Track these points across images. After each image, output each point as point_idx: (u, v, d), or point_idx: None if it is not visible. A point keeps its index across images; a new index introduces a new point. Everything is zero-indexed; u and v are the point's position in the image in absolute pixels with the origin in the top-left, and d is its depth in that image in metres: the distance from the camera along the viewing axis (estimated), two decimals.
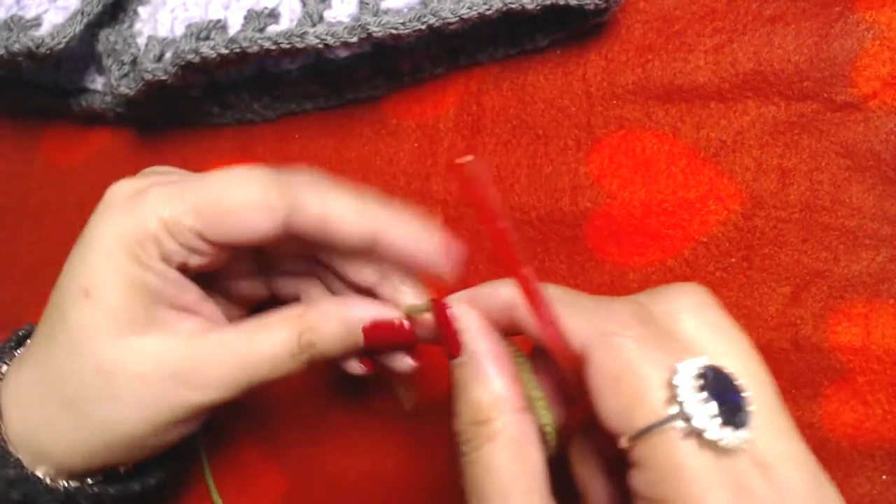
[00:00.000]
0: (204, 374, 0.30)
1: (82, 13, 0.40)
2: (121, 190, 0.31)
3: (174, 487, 0.43)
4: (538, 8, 0.36)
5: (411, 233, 0.30)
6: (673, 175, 0.38)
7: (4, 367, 0.33)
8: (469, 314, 0.27)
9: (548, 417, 0.27)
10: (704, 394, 0.22)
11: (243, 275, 0.35)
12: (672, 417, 0.22)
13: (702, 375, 0.22)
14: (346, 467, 0.41)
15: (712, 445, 0.21)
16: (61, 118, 0.49)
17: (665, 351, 0.23)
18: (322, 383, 0.42)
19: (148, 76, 0.40)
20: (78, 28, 0.40)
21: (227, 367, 0.30)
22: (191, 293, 0.32)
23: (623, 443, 0.23)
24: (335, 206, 0.29)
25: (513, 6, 0.36)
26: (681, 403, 0.21)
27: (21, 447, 0.31)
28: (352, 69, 0.42)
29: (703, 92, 0.38)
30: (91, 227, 0.31)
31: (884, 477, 0.35)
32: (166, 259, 0.30)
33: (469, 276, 0.40)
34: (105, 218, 0.30)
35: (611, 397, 0.23)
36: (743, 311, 0.37)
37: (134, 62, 0.42)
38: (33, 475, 0.31)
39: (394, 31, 0.37)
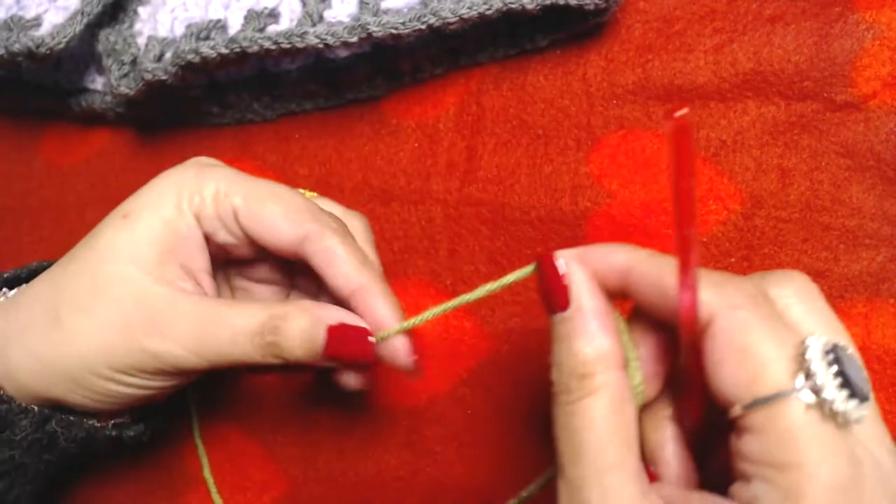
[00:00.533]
0: (168, 324, 0.31)
1: (82, 13, 0.40)
2: (203, 159, 0.35)
3: (174, 486, 0.43)
4: (538, 8, 0.36)
5: (381, 303, 0.32)
6: None
7: None
8: (579, 270, 0.28)
9: (639, 378, 0.28)
10: (835, 367, 0.23)
11: (266, 279, 0.37)
12: (800, 388, 0.23)
13: (831, 351, 0.24)
14: (345, 467, 0.41)
15: (834, 417, 0.23)
16: (61, 118, 0.49)
17: (785, 329, 0.25)
18: (321, 383, 0.42)
19: (148, 76, 0.40)
20: (78, 28, 0.40)
21: (191, 325, 0.31)
22: (202, 261, 0.34)
23: (737, 410, 0.24)
24: (341, 251, 0.32)
25: (513, 6, 0.36)
26: (813, 376, 0.23)
27: None
28: (352, 69, 0.42)
29: (703, 92, 0.38)
30: (161, 174, 0.34)
31: None
32: (200, 222, 0.33)
33: (470, 275, 0.40)
34: (177, 170, 0.34)
35: (733, 367, 0.24)
36: None
37: (134, 62, 0.42)
38: (6, 394, 0.32)
39: (394, 31, 0.37)
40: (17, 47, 0.39)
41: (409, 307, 0.41)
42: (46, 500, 0.38)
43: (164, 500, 0.43)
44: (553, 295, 0.27)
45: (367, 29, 0.37)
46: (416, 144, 0.42)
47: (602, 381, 0.26)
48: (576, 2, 0.36)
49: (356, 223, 0.36)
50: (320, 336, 0.31)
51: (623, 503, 0.25)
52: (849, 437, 0.23)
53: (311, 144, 0.44)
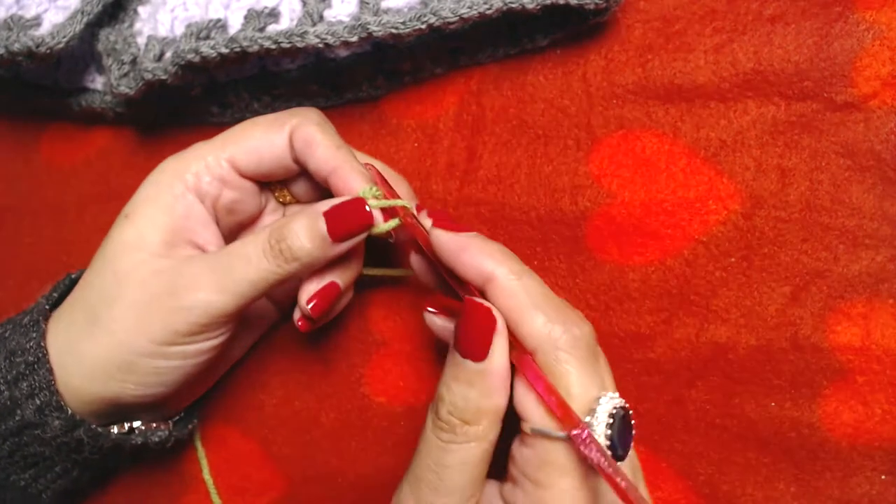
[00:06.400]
0: (189, 278, 0.33)
1: (82, 12, 0.40)
2: (175, 152, 0.37)
3: (174, 487, 0.43)
4: (538, 7, 0.36)
5: (355, 178, 0.35)
6: (673, 175, 0.38)
7: (45, 323, 0.36)
8: (504, 326, 0.29)
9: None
10: (609, 430, 0.27)
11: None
12: (579, 435, 0.27)
13: (614, 414, 0.28)
14: (344, 467, 0.41)
15: (595, 464, 0.27)
16: (61, 118, 0.49)
17: (590, 379, 0.28)
18: (320, 383, 0.42)
19: (148, 76, 0.40)
20: (78, 27, 0.40)
21: (209, 269, 0.34)
22: (210, 233, 0.36)
23: (526, 428, 0.28)
24: (319, 137, 0.35)
25: (513, 5, 0.36)
26: (592, 427, 0.27)
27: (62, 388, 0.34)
28: (352, 69, 0.42)
29: (703, 92, 0.38)
30: (149, 174, 0.37)
31: (883, 477, 0.35)
32: (200, 196, 0.36)
33: None
34: (159, 165, 0.37)
35: (536, 397, 0.28)
36: (743, 310, 0.37)
37: (134, 62, 0.42)
38: (49, 391, 0.34)
39: (394, 31, 0.37)
40: (17, 47, 0.39)
41: (409, 306, 0.41)
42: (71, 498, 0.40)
43: (163, 501, 0.43)
44: (475, 345, 0.29)
45: (368, 28, 0.37)
46: (415, 144, 0.42)
47: (484, 433, 0.29)
48: (576, 1, 0.36)
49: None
50: (321, 223, 0.33)
51: None
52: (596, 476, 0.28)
53: None
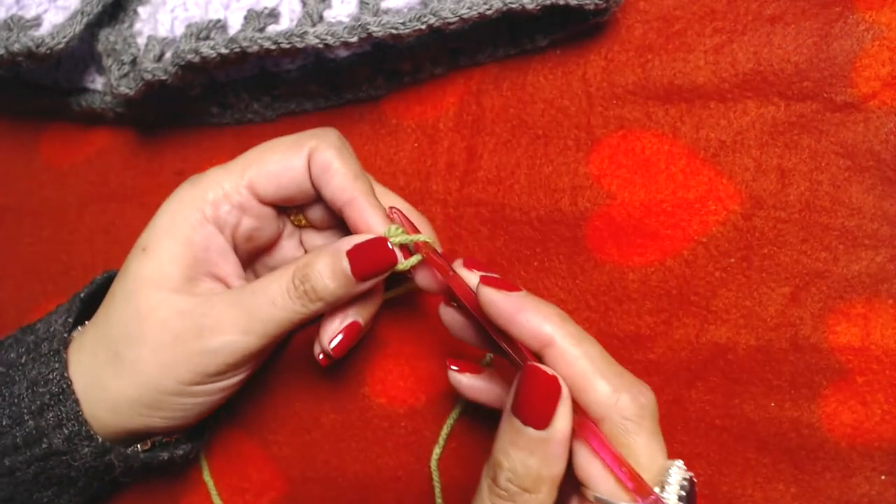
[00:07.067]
0: (215, 320, 0.33)
1: (82, 13, 0.40)
2: (191, 175, 0.36)
3: (175, 488, 0.43)
4: (538, 8, 0.36)
5: (371, 213, 0.34)
6: (672, 175, 0.38)
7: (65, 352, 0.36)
8: (568, 395, 0.28)
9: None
10: (682, 502, 0.27)
11: (288, 259, 0.39)
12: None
13: (686, 483, 0.27)
14: (344, 468, 0.41)
15: None
16: (61, 118, 0.49)
17: (657, 448, 0.28)
18: (320, 384, 0.42)
19: (148, 76, 0.40)
20: (78, 28, 0.40)
21: (233, 310, 0.33)
22: (230, 264, 0.36)
23: (590, 496, 0.28)
24: (337, 164, 0.34)
25: (513, 6, 0.36)
26: (664, 499, 0.27)
27: (88, 416, 0.34)
28: (352, 69, 0.42)
29: (703, 92, 0.38)
30: (164, 202, 0.36)
31: (882, 477, 0.35)
32: (219, 225, 0.35)
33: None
34: (175, 193, 0.36)
35: (602, 465, 0.28)
36: (742, 311, 0.37)
37: (134, 62, 0.42)
38: (78, 420, 0.34)
39: (394, 31, 0.36)
40: (17, 47, 0.39)
41: (410, 308, 0.41)
42: None
43: (164, 501, 0.43)
44: (538, 413, 0.28)
45: (367, 29, 0.37)
46: (415, 144, 0.42)
47: (542, 500, 0.28)
48: (576, 2, 0.36)
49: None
50: (344, 263, 0.33)
51: None
52: None
53: None
